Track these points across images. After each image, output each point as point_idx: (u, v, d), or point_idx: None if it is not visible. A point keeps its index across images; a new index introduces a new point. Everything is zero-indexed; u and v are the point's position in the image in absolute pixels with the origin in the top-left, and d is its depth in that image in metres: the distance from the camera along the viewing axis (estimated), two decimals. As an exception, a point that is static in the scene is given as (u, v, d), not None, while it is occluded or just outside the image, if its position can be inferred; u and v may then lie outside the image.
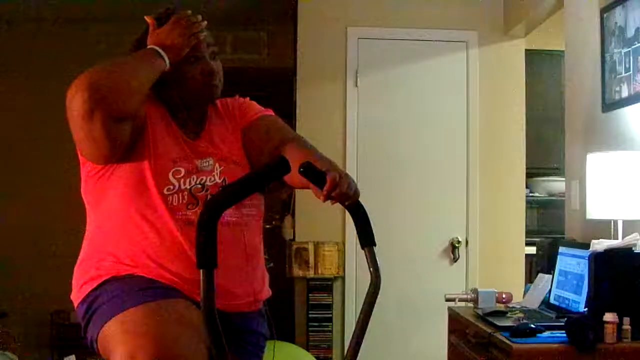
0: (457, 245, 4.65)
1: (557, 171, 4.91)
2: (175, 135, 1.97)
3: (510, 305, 3.15)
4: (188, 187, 1.90)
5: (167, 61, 1.87)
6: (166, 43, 1.89)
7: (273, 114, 2.13)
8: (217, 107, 2.10)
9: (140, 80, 1.82)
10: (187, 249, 1.82)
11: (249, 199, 1.95)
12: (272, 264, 4.17)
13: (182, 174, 1.90)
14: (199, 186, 1.91)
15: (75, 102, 1.71)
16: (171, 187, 1.88)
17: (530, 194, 5.13)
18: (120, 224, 1.88)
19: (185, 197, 1.89)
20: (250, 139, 2.05)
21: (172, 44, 1.89)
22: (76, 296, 1.91)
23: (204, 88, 1.98)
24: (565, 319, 2.55)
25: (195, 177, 1.91)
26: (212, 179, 1.95)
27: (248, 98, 2.17)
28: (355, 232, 1.74)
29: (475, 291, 3.26)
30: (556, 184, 5.08)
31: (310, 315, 4.54)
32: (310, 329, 4.53)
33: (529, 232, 4.80)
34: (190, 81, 1.96)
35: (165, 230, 1.86)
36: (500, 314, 2.92)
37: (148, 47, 1.89)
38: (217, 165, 1.98)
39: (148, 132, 1.91)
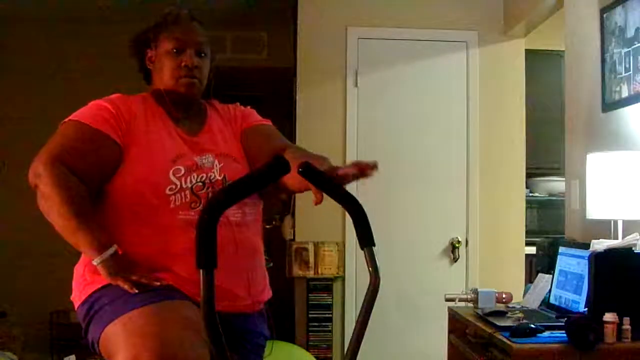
0: (457, 245, 4.65)
1: (557, 171, 4.91)
2: (172, 133, 1.98)
3: (510, 305, 3.15)
4: (189, 186, 1.90)
5: (98, 260, 1.80)
6: (114, 267, 1.81)
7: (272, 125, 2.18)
8: (217, 108, 2.13)
9: (62, 233, 1.82)
10: (188, 250, 1.82)
11: (249, 199, 1.95)
12: (272, 264, 4.18)
13: (182, 172, 1.90)
14: (200, 184, 1.92)
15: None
16: (173, 186, 1.88)
17: (530, 194, 5.13)
18: (121, 225, 1.88)
19: (188, 196, 1.89)
20: (251, 141, 2.07)
21: (117, 272, 1.80)
22: (77, 297, 1.91)
23: (178, 82, 1.99)
24: (565, 319, 2.55)
25: (195, 174, 1.92)
26: (213, 175, 1.95)
27: (249, 107, 2.19)
28: (355, 232, 1.73)
29: (475, 291, 3.26)
30: (556, 184, 5.08)
31: (310, 315, 4.54)
32: (310, 329, 4.53)
33: (529, 232, 4.80)
34: (167, 73, 1.99)
35: (167, 231, 1.86)
36: (500, 314, 2.92)
37: (108, 249, 1.80)
38: (216, 161, 1.99)
39: (143, 135, 1.92)
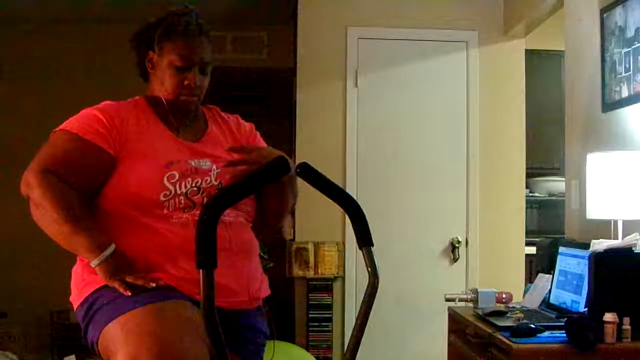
0: (457, 245, 4.65)
1: (557, 171, 4.91)
2: (166, 138, 1.97)
3: (510, 305, 3.15)
4: (184, 191, 1.89)
5: (97, 262, 1.81)
6: (113, 268, 1.81)
7: None
8: (218, 115, 2.13)
9: (57, 239, 1.85)
10: (185, 250, 1.82)
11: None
12: (272, 264, 4.18)
13: (176, 178, 1.89)
14: (195, 189, 1.91)
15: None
16: (167, 192, 1.87)
17: (530, 194, 5.13)
18: (118, 228, 1.88)
19: (182, 201, 1.89)
20: None
21: (115, 274, 1.81)
22: (76, 298, 1.91)
23: (177, 98, 1.98)
24: (565, 319, 2.55)
25: (190, 179, 1.91)
26: (208, 180, 1.94)
27: (252, 124, 2.20)
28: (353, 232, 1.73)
29: (475, 291, 3.26)
30: (556, 184, 5.08)
31: (310, 315, 4.54)
32: (310, 329, 4.53)
33: (529, 232, 4.80)
34: (168, 87, 1.98)
35: (163, 233, 1.86)
36: (500, 314, 2.92)
37: (106, 250, 1.82)
38: (214, 166, 1.98)
39: (136, 142, 1.91)
